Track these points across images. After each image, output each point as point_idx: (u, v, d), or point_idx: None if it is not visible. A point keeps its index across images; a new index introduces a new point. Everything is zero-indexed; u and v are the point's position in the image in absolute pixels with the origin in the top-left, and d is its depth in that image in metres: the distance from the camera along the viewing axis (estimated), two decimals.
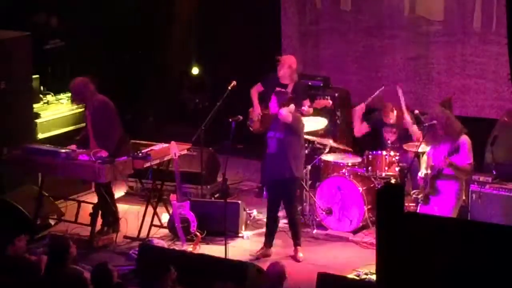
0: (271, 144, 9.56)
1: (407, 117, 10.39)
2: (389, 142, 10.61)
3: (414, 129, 10.29)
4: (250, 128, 10.91)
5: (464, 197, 9.05)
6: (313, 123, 10.59)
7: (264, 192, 10.59)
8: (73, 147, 10.08)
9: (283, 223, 10.30)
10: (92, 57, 12.22)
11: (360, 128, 10.71)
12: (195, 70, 12.81)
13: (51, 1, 12.26)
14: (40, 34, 11.79)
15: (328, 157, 10.65)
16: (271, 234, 9.76)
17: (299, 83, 10.67)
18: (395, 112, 10.55)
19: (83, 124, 10.71)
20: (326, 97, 10.62)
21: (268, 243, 9.75)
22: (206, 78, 12.84)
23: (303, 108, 10.22)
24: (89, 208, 10.16)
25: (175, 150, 9.97)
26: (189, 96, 13.09)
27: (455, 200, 8.80)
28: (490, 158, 10.33)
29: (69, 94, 11.43)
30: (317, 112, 10.62)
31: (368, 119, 10.75)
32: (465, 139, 8.77)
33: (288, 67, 10.42)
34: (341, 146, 10.69)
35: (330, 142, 10.55)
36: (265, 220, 10.05)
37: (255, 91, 10.76)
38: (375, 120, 10.74)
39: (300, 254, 9.64)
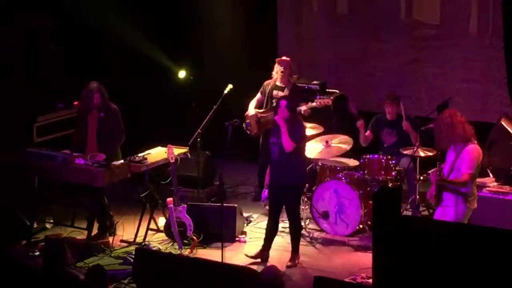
0: (274, 150, 9.52)
1: (406, 124, 10.40)
2: (385, 145, 10.63)
3: (414, 135, 10.30)
4: (248, 132, 10.96)
5: (473, 206, 8.74)
6: (310, 130, 10.59)
7: (263, 195, 10.52)
8: (67, 151, 10.06)
9: (281, 227, 10.32)
10: (89, 61, 12.22)
11: (365, 138, 10.72)
12: (182, 73, 12.76)
13: (48, 5, 12.26)
14: (37, 38, 11.80)
15: (325, 161, 10.64)
16: (270, 238, 9.74)
17: (295, 87, 10.76)
18: (394, 105, 10.55)
19: None
20: (329, 96, 10.63)
21: (266, 246, 9.73)
22: (203, 82, 12.83)
23: (301, 108, 10.29)
24: (85, 212, 10.16)
25: (171, 153, 9.97)
26: (186, 100, 13.07)
27: (454, 213, 8.52)
28: (487, 162, 10.33)
29: (67, 98, 11.46)
30: (316, 113, 10.64)
31: (372, 125, 10.75)
32: (471, 147, 8.43)
33: (287, 68, 10.62)
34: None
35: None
36: (261, 223, 10.04)
37: (254, 101, 10.89)
38: (377, 121, 10.75)
39: (296, 261, 9.61)
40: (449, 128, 8.46)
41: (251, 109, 10.91)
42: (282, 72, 10.78)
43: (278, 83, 10.83)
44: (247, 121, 10.91)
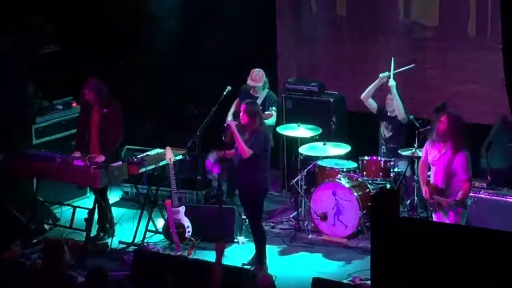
0: (237, 155, 9.43)
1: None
2: (384, 135, 10.68)
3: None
4: (224, 140, 10.84)
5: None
6: (308, 131, 10.59)
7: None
8: (77, 153, 10.00)
9: (279, 228, 10.32)
10: (87, 62, 12.22)
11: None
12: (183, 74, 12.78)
13: (46, 6, 12.25)
14: (35, 39, 11.79)
15: (324, 163, 10.65)
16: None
17: (270, 96, 10.67)
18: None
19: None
20: (271, 108, 10.64)
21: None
22: (201, 84, 12.83)
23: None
24: (84, 214, 10.16)
25: (170, 155, 9.97)
26: (185, 102, 13.08)
27: (453, 216, 8.60)
28: (485, 164, 10.34)
29: (66, 99, 11.46)
30: (315, 114, 10.62)
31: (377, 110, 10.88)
32: (465, 154, 8.53)
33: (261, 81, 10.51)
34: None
35: None
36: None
37: (232, 108, 10.81)
38: (380, 110, 10.82)
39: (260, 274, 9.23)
40: (458, 133, 8.51)
41: (229, 117, 10.81)
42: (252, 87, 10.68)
43: (252, 93, 10.73)
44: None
